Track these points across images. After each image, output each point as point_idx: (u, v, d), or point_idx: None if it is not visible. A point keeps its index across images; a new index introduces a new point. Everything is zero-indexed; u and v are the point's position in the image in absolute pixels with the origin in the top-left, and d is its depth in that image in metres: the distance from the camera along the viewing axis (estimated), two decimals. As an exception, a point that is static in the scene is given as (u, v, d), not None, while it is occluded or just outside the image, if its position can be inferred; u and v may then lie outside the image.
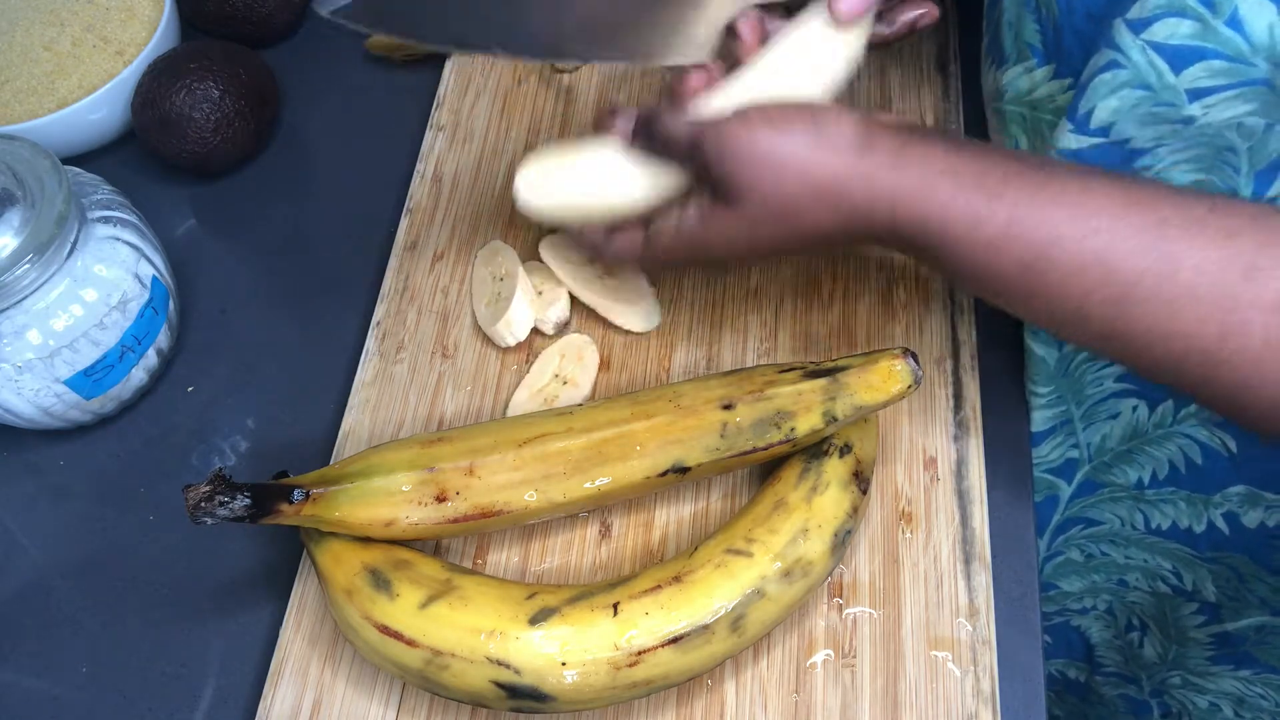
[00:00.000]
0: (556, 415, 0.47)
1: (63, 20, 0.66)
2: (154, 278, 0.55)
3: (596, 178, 0.47)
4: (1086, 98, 0.42)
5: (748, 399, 0.45)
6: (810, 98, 0.45)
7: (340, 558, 0.44)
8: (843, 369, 0.46)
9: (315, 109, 0.69)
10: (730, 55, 0.48)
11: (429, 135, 0.65)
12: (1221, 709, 0.64)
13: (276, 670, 0.47)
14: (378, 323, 0.58)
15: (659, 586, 0.42)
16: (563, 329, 0.56)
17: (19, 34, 0.65)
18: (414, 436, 0.47)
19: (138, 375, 0.56)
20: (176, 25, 0.68)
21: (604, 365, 0.55)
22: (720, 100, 0.45)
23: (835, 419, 0.45)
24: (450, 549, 0.50)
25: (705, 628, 0.41)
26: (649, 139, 0.45)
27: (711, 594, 0.42)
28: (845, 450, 0.46)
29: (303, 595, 0.49)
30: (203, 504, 0.41)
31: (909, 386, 0.45)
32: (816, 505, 0.44)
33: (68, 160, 0.56)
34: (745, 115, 0.42)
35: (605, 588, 0.43)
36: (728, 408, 0.45)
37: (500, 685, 0.41)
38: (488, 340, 0.56)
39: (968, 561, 0.48)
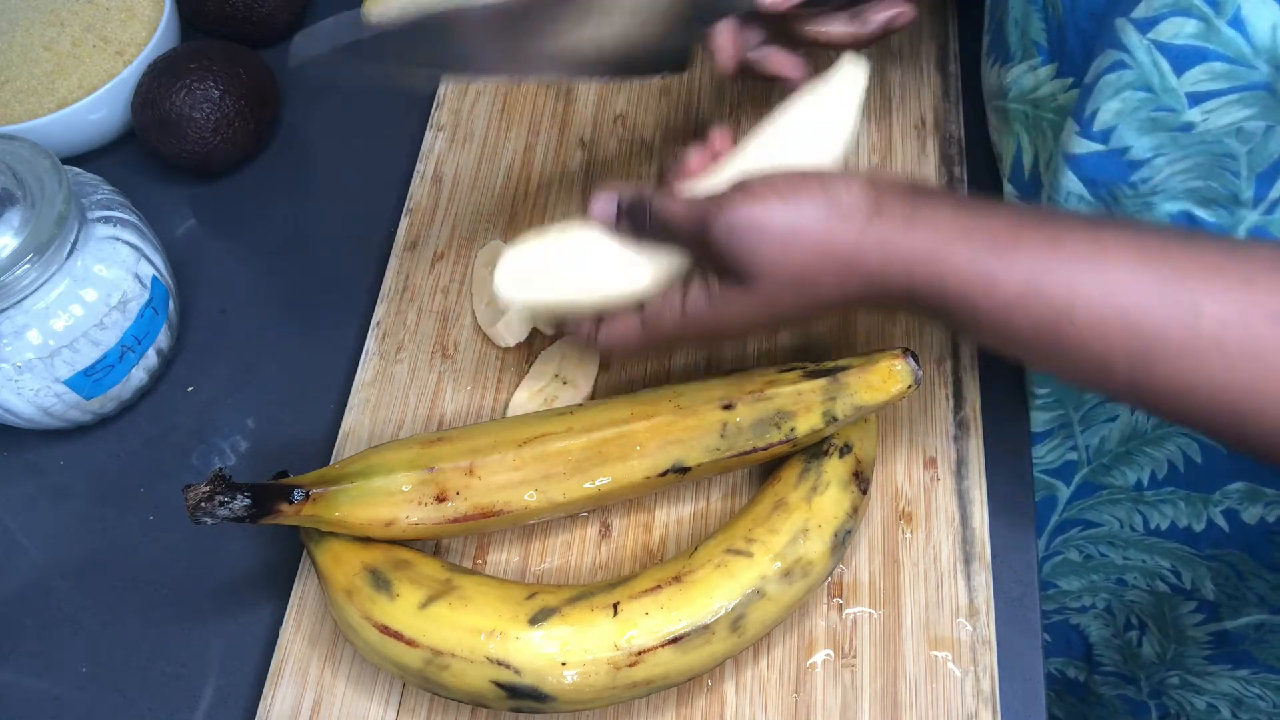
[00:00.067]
0: (556, 415, 0.47)
1: (63, 20, 0.66)
2: (154, 278, 0.55)
3: (584, 267, 0.44)
4: (1092, 99, 0.42)
5: (748, 399, 0.45)
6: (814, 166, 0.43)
7: (340, 558, 0.44)
8: (843, 369, 0.46)
9: (315, 109, 0.69)
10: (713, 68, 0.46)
11: (429, 135, 0.65)
12: (1220, 710, 0.64)
13: (276, 670, 0.48)
14: (378, 323, 0.58)
15: (659, 586, 0.42)
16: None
17: (19, 34, 0.65)
18: (414, 436, 0.47)
19: (138, 375, 0.56)
20: (176, 25, 0.68)
21: (604, 365, 0.55)
22: (718, 179, 0.43)
23: (835, 419, 0.45)
24: (450, 549, 0.50)
25: (705, 628, 0.42)
26: (639, 225, 0.43)
27: (711, 594, 0.42)
28: (845, 450, 0.46)
29: (303, 595, 0.50)
30: (203, 504, 0.41)
31: (909, 386, 0.45)
32: (816, 505, 0.44)
33: (68, 160, 0.56)
34: (749, 188, 0.40)
35: (605, 588, 0.43)
36: (728, 408, 0.45)
37: (500, 685, 0.41)
38: (488, 340, 0.56)
39: (968, 561, 0.48)
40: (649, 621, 0.41)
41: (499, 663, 0.41)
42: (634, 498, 0.49)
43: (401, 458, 0.45)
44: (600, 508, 0.50)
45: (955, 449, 0.51)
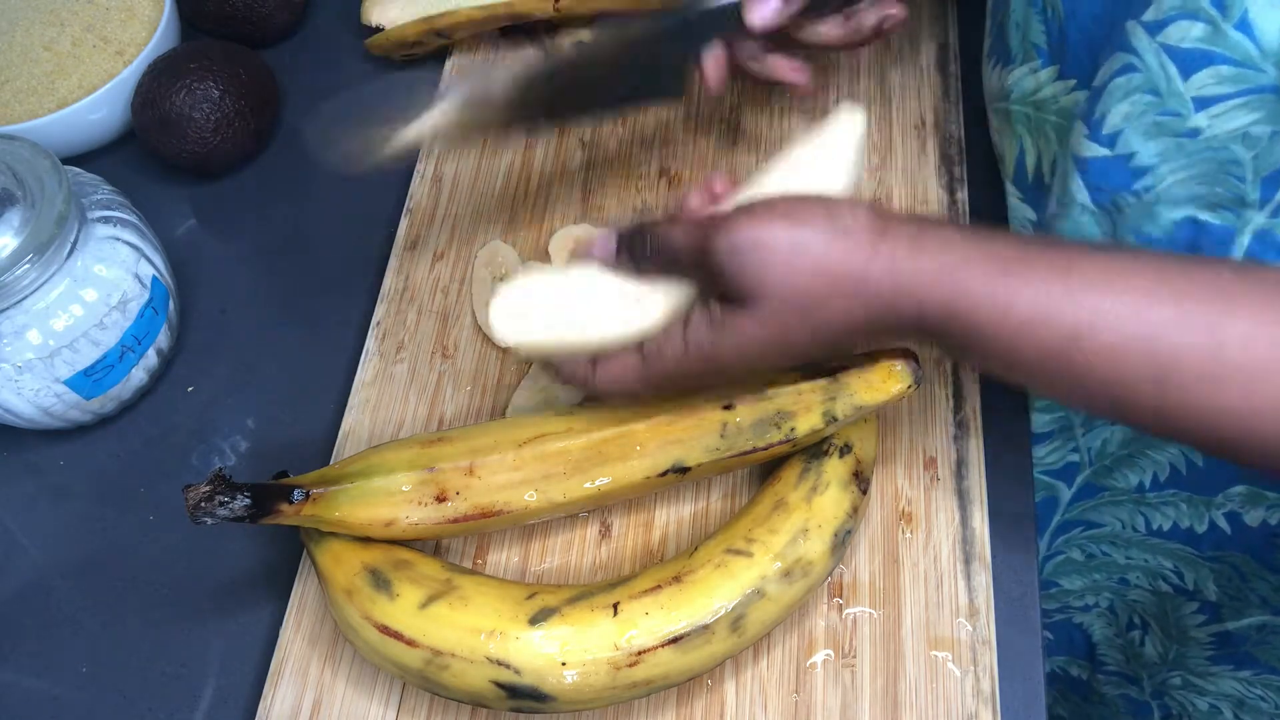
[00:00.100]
0: (556, 415, 0.47)
1: (63, 20, 0.66)
2: (154, 278, 0.55)
3: (583, 307, 0.42)
4: (1102, 102, 0.42)
5: (748, 399, 0.45)
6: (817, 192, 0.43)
7: (340, 558, 0.44)
8: (843, 369, 0.46)
9: (315, 109, 0.69)
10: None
11: (429, 135, 0.65)
12: (1222, 711, 0.64)
13: (276, 670, 0.47)
14: (378, 323, 0.58)
15: (659, 586, 0.42)
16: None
17: (19, 34, 0.65)
18: (414, 436, 0.47)
19: (138, 375, 0.56)
20: (176, 25, 0.68)
21: (604, 365, 0.55)
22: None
23: (835, 419, 0.45)
24: (450, 549, 0.50)
25: (705, 628, 0.41)
26: (639, 255, 0.42)
27: (711, 594, 0.42)
28: (845, 450, 0.46)
29: (303, 595, 0.49)
30: (203, 504, 0.41)
31: (909, 387, 0.45)
32: (816, 505, 0.44)
33: (68, 160, 0.56)
34: (753, 210, 0.39)
35: (605, 588, 0.43)
36: (728, 408, 0.45)
37: (500, 685, 0.41)
38: (488, 340, 0.56)
39: (968, 561, 0.48)
40: (649, 621, 0.41)
41: (499, 663, 0.41)
42: (634, 498, 0.49)
43: (401, 458, 0.45)
44: (600, 508, 0.50)
45: (955, 449, 0.51)
